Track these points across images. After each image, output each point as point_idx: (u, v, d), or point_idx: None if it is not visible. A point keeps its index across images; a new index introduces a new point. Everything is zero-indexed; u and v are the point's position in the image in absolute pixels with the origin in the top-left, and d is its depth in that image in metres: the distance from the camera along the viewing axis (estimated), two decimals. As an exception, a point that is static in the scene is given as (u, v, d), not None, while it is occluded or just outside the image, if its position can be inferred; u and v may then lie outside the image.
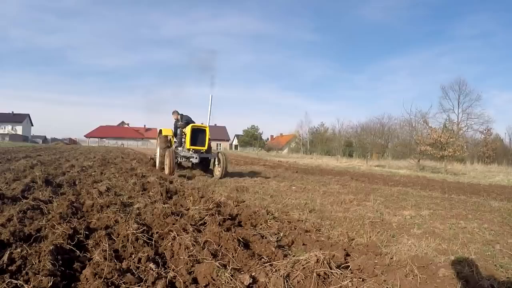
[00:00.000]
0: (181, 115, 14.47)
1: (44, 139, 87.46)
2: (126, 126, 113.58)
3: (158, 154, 14.75)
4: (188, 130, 13.20)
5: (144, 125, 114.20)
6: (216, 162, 13.56)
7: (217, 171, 13.20)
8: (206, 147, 13.36)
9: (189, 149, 13.11)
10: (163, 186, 7.35)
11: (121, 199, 6.03)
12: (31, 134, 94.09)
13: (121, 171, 11.57)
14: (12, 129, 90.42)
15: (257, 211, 5.60)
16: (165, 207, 5.11)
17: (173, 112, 14.72)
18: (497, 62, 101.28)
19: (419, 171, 25.62)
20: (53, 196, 6.00)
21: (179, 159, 13.41)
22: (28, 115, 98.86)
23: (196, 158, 13.10)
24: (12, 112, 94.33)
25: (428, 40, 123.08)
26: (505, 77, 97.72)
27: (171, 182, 9.24)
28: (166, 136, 15.04)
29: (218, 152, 13.87)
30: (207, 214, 4.87)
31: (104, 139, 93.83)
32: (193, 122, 13.99)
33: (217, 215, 4.88)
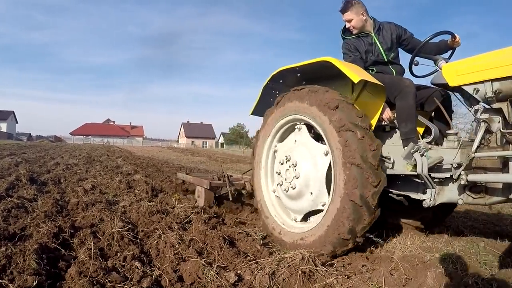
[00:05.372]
0: (374, 20, 4.61)
1: (29, 137, 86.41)
2: (111, 123, 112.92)
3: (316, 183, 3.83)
4: None
5: (130, 123, 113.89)
6: None
7: None
8: None
9: None
10: (149, 184, 7.32)
11: (107, 197, 6.00)
12: (16, 132, 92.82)
13: (107, 169, 11.47)
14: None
15: (243, 208, 5.63)
16: (151, 205, 5.10)
17: (350, 6, 4.42)
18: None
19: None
20: (38, 194, 5.95)
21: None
22: (13, 112, 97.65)
23: None
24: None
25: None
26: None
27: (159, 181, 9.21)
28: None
29: None
30: (192, 212, 4.87)
31: (90, 137, 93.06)
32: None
33: (202, 213, 4.88)
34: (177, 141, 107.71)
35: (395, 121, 4.11)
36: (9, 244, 3.26)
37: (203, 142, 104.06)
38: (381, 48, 4.51)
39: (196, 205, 5.39)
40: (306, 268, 3.07)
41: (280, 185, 4.27)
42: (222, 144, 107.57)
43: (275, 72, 4.49)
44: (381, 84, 3.84)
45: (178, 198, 6.12)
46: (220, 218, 5.02)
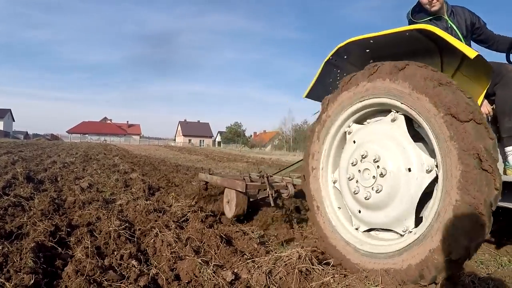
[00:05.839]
0: (446, 2, 3.86)
1: (26, 135, 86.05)
2: (108, 122, 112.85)
3: None
4: None
5: (127, 121, 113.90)
6: None
7: None
8: None
9: None
10: (145, 183, 7.31)
11: (103, 196, 5.99)
12: (13, 130, 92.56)
13: (104, 167, 11.46)
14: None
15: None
16: (148, 204, 5.09)
17: None
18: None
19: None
20: (35, 192, 5.93)
21: None
22: (10, 110, 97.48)
23: None
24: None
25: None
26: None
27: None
28: None
29: None
30: (189, 211, 4.86)
31: (87, 135, 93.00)
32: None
33: (199, 211, 4.88)
34: (174, 140, 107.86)
35: (491, 116, 3.35)
36: (5, 243, 3.25)
37: (200, 140, 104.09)
38: (459, 34, 3.74)
39: (193, 204, 5.37)
40: (302, 266, 3.07)
41: (350, 179, 3.25)
42: (219, 143, 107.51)
43: (342, 44, 3.43)
44: (489, 65, 2.84)
45: (174, 196, 6.11)
46: (217, 216, 5.02)
